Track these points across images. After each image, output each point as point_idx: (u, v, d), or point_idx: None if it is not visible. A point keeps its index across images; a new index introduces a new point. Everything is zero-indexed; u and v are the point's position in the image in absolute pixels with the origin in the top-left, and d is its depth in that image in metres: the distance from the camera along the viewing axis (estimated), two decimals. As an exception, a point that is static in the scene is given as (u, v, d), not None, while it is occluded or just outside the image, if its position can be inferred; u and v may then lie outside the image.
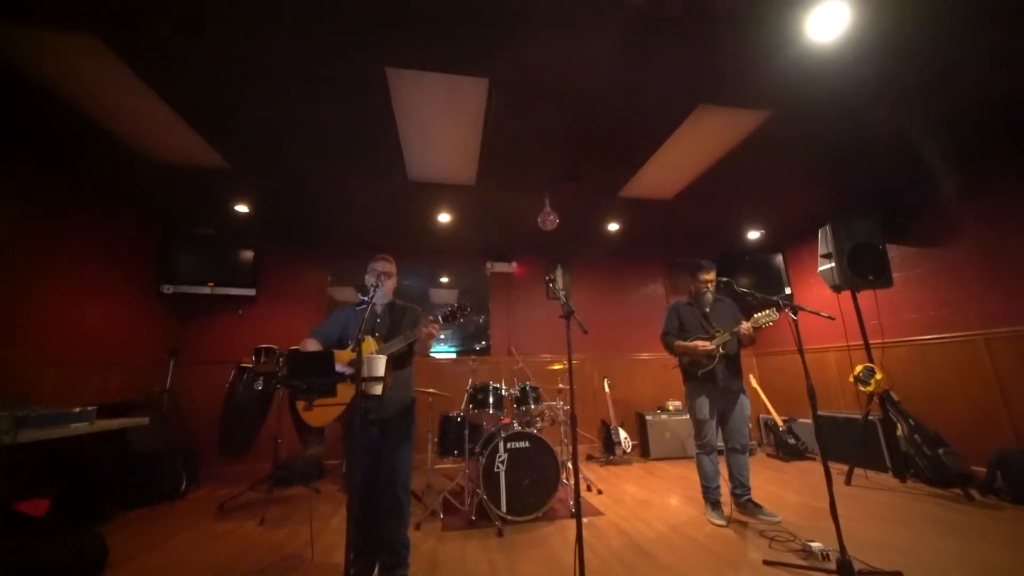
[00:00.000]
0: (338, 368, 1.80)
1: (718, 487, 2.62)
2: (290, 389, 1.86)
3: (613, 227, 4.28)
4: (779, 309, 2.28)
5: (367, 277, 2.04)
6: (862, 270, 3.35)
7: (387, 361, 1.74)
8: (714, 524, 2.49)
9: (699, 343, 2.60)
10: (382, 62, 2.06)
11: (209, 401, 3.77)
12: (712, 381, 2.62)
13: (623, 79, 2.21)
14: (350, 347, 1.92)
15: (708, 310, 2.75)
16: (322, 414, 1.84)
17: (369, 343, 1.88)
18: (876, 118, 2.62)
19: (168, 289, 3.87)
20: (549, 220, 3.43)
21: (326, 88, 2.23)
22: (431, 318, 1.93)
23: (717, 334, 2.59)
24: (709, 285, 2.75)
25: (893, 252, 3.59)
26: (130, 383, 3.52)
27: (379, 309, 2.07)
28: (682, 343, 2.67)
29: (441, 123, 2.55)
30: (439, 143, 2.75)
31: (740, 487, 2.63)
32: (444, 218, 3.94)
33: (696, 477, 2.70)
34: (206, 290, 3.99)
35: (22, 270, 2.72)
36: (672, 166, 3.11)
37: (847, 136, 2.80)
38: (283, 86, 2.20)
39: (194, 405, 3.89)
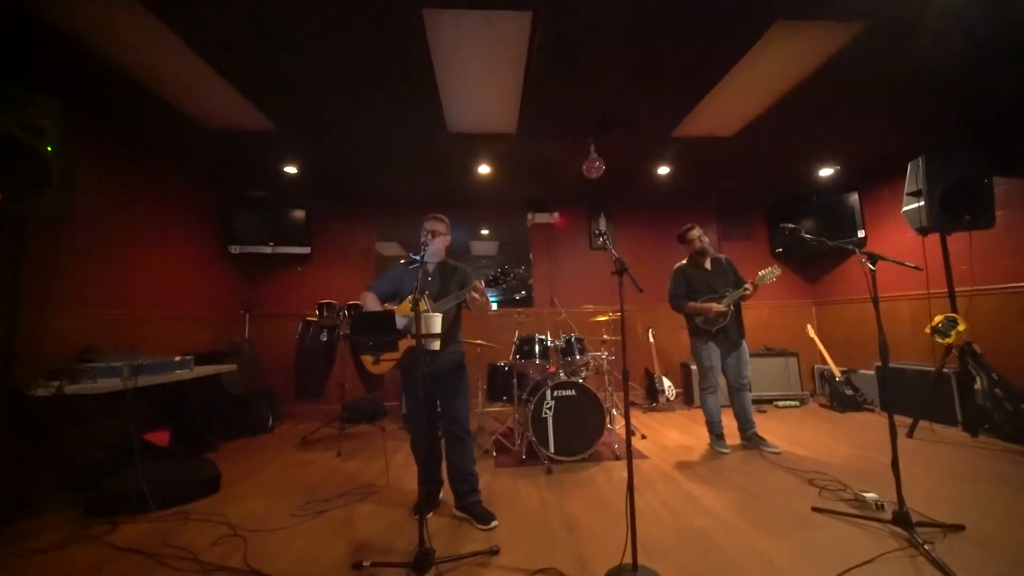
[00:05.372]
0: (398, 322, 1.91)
1: (720, 421, 3.01)
2: (357, 346, 2.01)
3: (663, 171, 3.99)
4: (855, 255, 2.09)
5: (422, 235, 2.03)
6: (958, 209, 2.94)
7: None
8: (720, 452, 2.87)
9: (713, 305, 2.86)
10: (420, 4, 1.93)
11: (282, 349, 4.20)
12: (724, 335, 2.92)
13: (685, -1, 1.93)
14: (400, 303, 2.03)
15: (709, 268, 3.01)
16: (382, 364, 2.03)
17: (422, 302, 1.90)
18: (994, 30, 2.13)
19: (235, 249, 4.19)
20: (595, 167, 3.24)
21: (362, 38, 2.14)
22: (476, 283, 1.91)
23: (727, 293, 2.88)
24: (701, 240, 3.01)
25: (999, 187, 3.09)
26: (214, 335, 3.97)
27: (431, 268, 2.10)
28: (695, 304, 2.94)
29: (481, 69, 2.40)
30: (479, 90, 2.61)
31: (745, 422, 2.96)
32: (484, 169, 3.85)
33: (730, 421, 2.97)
34: (267, 249, 4.28)
35: (124, 241, 3.07)
36: (735, 99, 2.77)
37: (954, 54, 2.32)
38: (318, 36, 2.13)
39: (270, 353, 4.37)
